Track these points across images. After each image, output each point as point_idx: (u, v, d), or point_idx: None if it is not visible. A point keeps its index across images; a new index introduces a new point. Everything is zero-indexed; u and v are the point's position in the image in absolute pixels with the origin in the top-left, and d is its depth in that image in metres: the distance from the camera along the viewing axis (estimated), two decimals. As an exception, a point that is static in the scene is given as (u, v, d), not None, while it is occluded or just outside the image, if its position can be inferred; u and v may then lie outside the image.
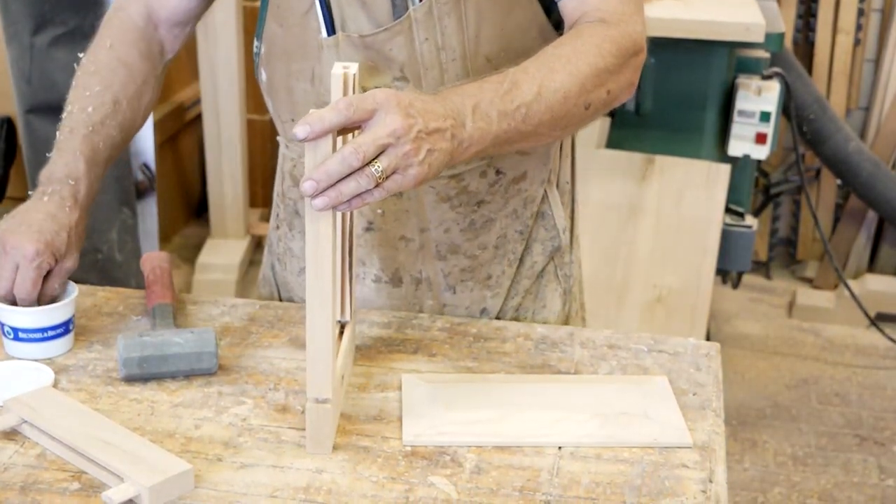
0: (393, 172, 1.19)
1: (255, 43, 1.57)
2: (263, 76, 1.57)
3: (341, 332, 1.40)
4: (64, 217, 1.46)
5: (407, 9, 1.41)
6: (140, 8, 1.59)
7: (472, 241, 1.58)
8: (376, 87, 1.40)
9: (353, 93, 1.31)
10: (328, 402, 1.24)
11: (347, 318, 1.42)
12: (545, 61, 1.35)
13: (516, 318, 1.65)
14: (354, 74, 1.31)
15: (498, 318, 1.64)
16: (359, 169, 1.17)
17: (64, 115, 1.52)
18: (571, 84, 1.34)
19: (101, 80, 1.54)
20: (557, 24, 1.49)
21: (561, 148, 1.63)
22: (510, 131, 1.31)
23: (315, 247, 1.18)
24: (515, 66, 1.36)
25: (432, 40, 1.42)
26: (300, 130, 1.14)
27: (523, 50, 1.45)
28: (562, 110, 1.34)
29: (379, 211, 1.56)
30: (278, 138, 1.67)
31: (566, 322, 1.70)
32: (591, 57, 1.36)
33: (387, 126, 1.18)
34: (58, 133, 1.52)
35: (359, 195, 1.18)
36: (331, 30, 1.44)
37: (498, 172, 1.55)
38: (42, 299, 1.45)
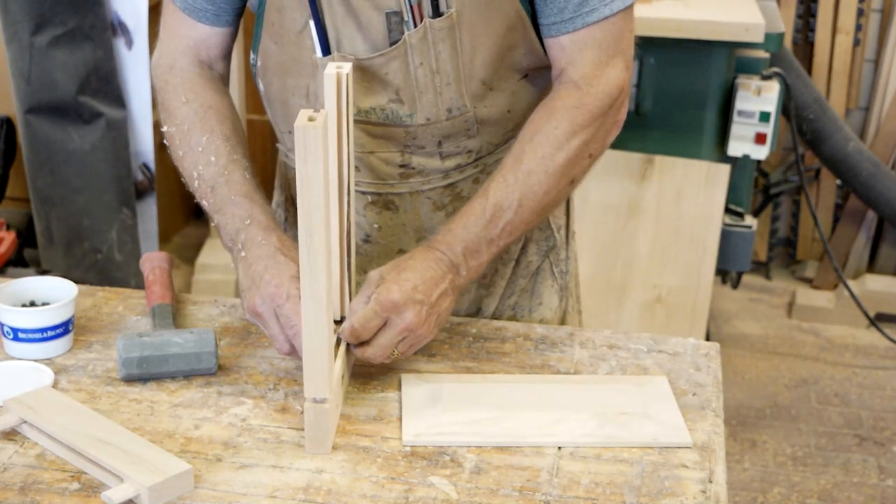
0: (409, 347, 1.37)
1: (252, 55, 1.57)
2: (261, 86, 1.58)
3: (341, 333, 1.40)
4: (268, 245, 1.39)
5: (402, 34, 1.41)
6: (190, 58, 1.56)
7: None
8: (372, 107, 1.44)
9: (347, 91, 1.31)
10: (326, 402, 1.24)
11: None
12: (522, 164, 1.41)
13: (513, 316, 1.66)
14: (348, 74, 1.31)
15: (495, 316, 1.64)
16: None
17: (195, 182, 1.48)
18: (549, 180, 1.42)
19: (200, 131, 1.49)
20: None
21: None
22: (502, 247, 1.42)
23: (309, 245, 1.18)
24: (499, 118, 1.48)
25: (427, 65, 1.43)
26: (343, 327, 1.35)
27: (512, 66, 1.47)
28: (546, 202, 1.43)
29: (376, 225, 1.56)
30: (278, 146, 1.67)
31: (563, 318, 1.70)
32: (563, 141, 1.42)
33: (403, 323, 1.33)
34: (203, 202, 1.47)
35: None
36: (325, 49, 1.45)
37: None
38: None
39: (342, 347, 1.36)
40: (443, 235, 1.41)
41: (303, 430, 1.28)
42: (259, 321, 1.37)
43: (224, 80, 1.61)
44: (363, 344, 1.34)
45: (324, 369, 1.23)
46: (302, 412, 1.31)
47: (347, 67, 1.32)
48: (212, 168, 1.46)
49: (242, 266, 1.40)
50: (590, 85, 1.43)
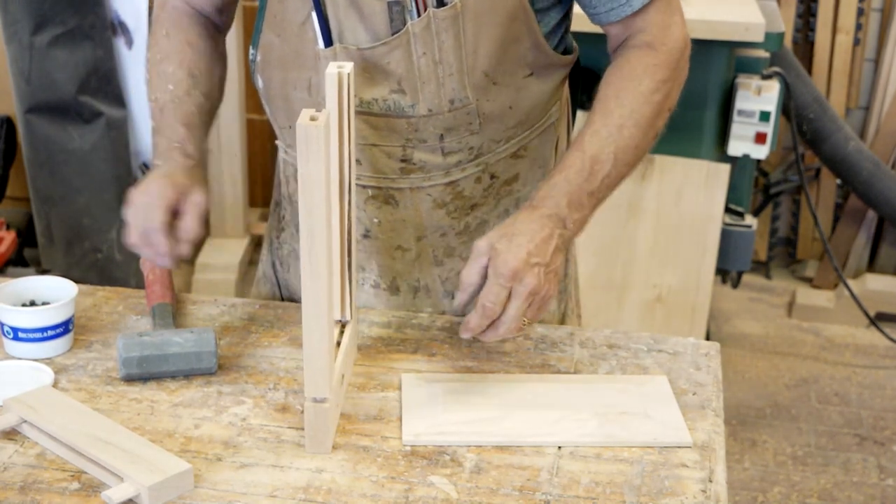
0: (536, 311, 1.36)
1: (251, 51, 1.58)
2: (260, 83, 1.58)
3: (341, 332, 1.40)
4: (178, 166, 1.45)
5: (405, 23, 1.41)
6: (183, 2, 1.60)
7: (466, 244, 1.59)
8: (374, 98, 1.43)
9: (348, 92, 1.31)
10: (326, 402, 1.24)
11: (347, 317, 1.42)
12: (612, 119, 1.44)
13: (512, 318, 1.65)
14: (349, 74, 1.31)
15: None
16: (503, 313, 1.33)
17: (151, 104, 1.54)
18: (640, 134, 1.45)
19: (171, 61, 1.55)
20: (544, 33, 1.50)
21: (556, 148, 1.64)
22: (601, 199, 1.47)
23: (310, 245, 1.18)
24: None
25: (430, 55, 1.43)
26: (459, 301, 1.36)
27: (517, 61, 1.47)
28: (636, 156, 1.47)
29: (375, 220, 1.56)
30: (277, 142, 1.67)
31: (562, 320, 1.70)
32: (649, 95, 1.46)
33: (526, 289, 1.32)
34: (151, 121, 1.53)
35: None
36: (328, 41, 1.45)
37: (492, 177, 1.55)
38: (183, 237, 1.40)
39: (343, 347, 1.36)
40: (545, 191, 1.41)
41: (303, 429, 1.28)
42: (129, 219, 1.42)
43: (220, 29, 1.64)
44: (490, 326, 1.35)
45: (324, 369, 1.23)
46: (302, 411, 1.31)
47: (349, 67, 1.32)
48: (167, 95, 1.52)
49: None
50: (662, 44, 1.48)
